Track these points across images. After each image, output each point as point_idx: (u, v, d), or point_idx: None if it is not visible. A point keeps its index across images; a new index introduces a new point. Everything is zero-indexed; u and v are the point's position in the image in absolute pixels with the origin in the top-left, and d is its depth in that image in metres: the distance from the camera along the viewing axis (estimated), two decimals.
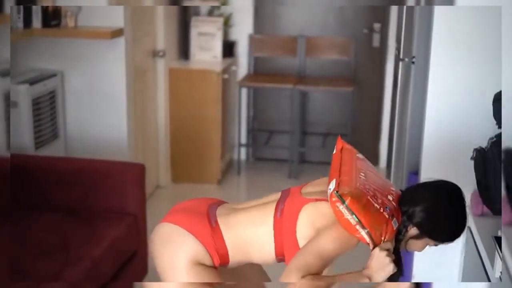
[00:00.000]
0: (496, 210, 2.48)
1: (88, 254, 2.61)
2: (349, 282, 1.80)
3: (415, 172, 3.05)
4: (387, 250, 1.78)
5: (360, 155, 2.08)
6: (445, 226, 1.93)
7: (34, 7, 3.43)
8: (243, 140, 5.58)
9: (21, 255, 2.53)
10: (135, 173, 3.07)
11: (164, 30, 4.64)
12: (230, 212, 1.98)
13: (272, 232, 1.89)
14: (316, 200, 1.89)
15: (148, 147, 4.58)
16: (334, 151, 2.07)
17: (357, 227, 1.78)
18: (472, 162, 2.67)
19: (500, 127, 2.53)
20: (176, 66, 4.89)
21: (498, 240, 2.26)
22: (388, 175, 3.53)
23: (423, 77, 2.95)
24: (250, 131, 5.59)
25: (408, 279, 3.11)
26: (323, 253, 1.76)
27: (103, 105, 3.89)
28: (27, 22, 3.40)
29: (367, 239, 1.79)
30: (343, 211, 1.78)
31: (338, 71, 5.49)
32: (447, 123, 2.85)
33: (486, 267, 2.41)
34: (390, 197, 1.88)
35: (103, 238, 2.76)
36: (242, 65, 5.52)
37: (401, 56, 3.12)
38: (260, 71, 5.56)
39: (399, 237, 1.90)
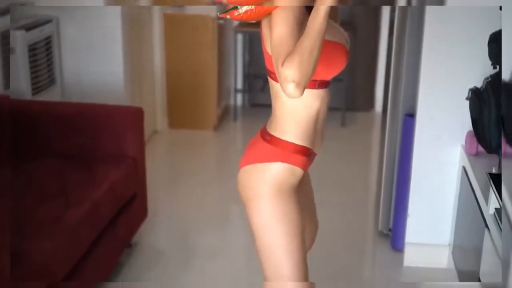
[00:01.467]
0: (490, 149, 2.52)
1: (88, 196, 2.65)
2: (317, 27, 1.68)
3: (411, 114, 3.08)
4: None
5: None
6: None
7: None
8: (239, 86, 5.58)
9: (21, 200, 2.57)
10: (133, 116, 3.09)
11: None
12: (270, 122, 1.96)
13: (279, 86, 1.82)
14: (263, 41, 1.90)
15: (145, 93, 4.58)
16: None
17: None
18: (467, 102, 2.71)
19: (495, 67, 2.55)
20: (171, 12, 4.86)
21: (492, 176, 2.30)
22: (384, 119, 3.56)
23: (419, 21, 2.96)
24: (246, 77, 5.59)
25: (403, 219, 3.18)
26: (283, 36, 1.70)
27: (99, 51, 3.88)
28: None
29: None
30: (246, 8, 1.77)
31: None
32: (442, 65, 2.87)
33: (481, 204, 2.47)
34: None
35: (103, 181, 2.80)
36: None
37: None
38: None
39: None
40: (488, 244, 2.29)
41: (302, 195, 2.05)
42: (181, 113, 5.03)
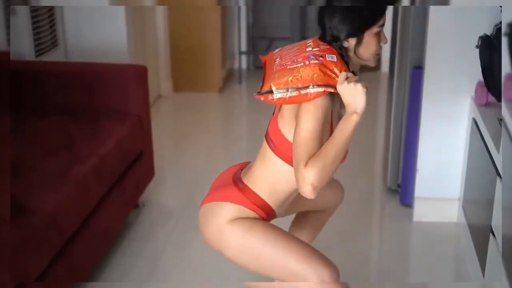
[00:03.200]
0: (500, 96, 2.48)
1: (95, 151, 2.62)
2: (345, 136, 1.73)
3: (419, 66, 3.04)
4: (346, 79, 1.74)
5: (277, 50, 2.00)
6: (356, 10, 1.80)
7: None
8: (243, 48, 5.52)
9: (27, 154, 2.55)
10: (137, 74, 3.06)
11: None
12: (247, 170, 2.00)
13: (277, 158, 1.90)
14: (278, 111, 1.90)
15: (149, 55, 4.54)
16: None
17: (302, 92, 1.73)
18: (477, 51, 2.66)
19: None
20: None
21: (503, 121, 2.26)
22: (391, 77, 3.51)
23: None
24: (250, 39, 5.53)
25: (412, 174, 3.15)
26: (309, 135, 1.72)
27: (102, 13, 3.83)
28: None
29: (320, 89, 1.73)
30: (281, 95, 1.75)
31: None
32: (450, 14, 2.81)
33: (492, 153, 2.43)
34: (308, 48, 1.82)
35: (109, 137, 2.77)
36: None
37: None
38: None
39: (350, 57, 1.85)
40: (500, 193, 2.26)
41: None
42: (185, 76, 5.00)
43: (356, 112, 1.72)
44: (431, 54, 2.90)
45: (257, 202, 1.94)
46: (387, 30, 5.74)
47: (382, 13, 1.83)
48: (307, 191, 1.70)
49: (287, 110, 1.85)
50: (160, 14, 4.69)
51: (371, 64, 1.89)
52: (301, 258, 1.88)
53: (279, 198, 1.97)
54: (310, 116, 1.73)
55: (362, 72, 1.96)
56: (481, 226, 2.61)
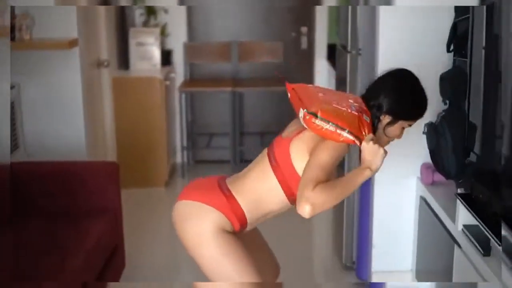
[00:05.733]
0: (449, 175, 2.83)
1: (81, 248, 2.77)
2: (354, 183, 1.96)
3: None
4: (372, 140, 1.99)
5: (310, 85, 2.29)
6: (410, 102, 2.14)
7: None
8: (185, 143, 5.78)
9: (21, 258, 2.66)
10: (110, 170, 3.24)
11: (106, 41, 4.80)
12: (235, 179, 2.17)
13: (275, 179, 2.08)
14: (298, 133, 2.11)
15: (99, 154, 4.70)
16: (289, 95, 2.22)
17: (338, 131, 1.97)
18: (419, 139, 3.04)
19: (445, 103, 2.90)
20: (119, 75, 5.05)
21: (460, 196, 2.58)
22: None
23: (370, 67, 3.29)
24: (190, 135, 5.80)
25: (367, 250, 3.44)
26: (323, 165, 1.93)
27: (60, 115, 4.00)
28: None
29: (351, 137, 1.98)
30: (320, 124, 1.97)
31: (271, 73, 5.82)
32: None
33: (446, 224, 2.76)
34: (351, 100, 2.09)
35: (90, 234, 2.91)
36: (179, 72, 5.75)
37: (348, 49, 3.44)
38: (196, 77, 5.81)
39: (377, 129, 2.12)
40: (460, 258, 2.56)
41: (250, 239, 2.24)
42: (132, 172, 5.15)
43: (370, 169, 1.97)
44: None
45: (237, 213, 2.08)
46: None
47: (420, 117, 2.17)
48: (305, 209, 1.87)
49: (309, 138, 2.04)
50: (108, 114, 4.90)
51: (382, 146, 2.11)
52: None
53: (257, 215, 2.13)
54: (331, 152, 1.97)
55: None
56: None
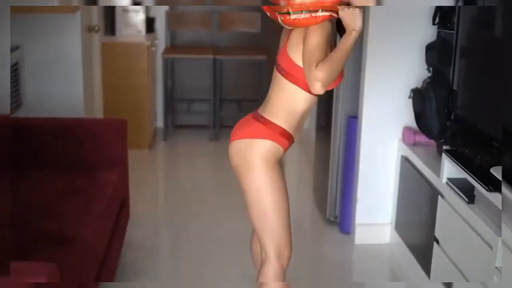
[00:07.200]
0: (432, 135, 3.18)
1: (102, 194, 3.03)
2: (347, 47, 2.20)
3: (355, 116, 3.70)
4: (346, 4, 2.24)
5: None
6: None
7: None
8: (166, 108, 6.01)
9: (47, 197, 2.91)
10: (118, 126, 3.49)
11: (95, 7, 4.97)
12: (264, 105, 2.41)
13: (291, 83, 2.32)
14: (288, 38, 2.33)
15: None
16: (268, 14, 2.37)
17: (313, 14, 2.20)
18: (401, 103, 3.38)
19: (429, 71, 3.24)
20: (108, 40, 5.24)
21: (447, 151, 2.92)
22: (328, 125, 4.18)
23: None
24: (169, 101, 6.02)
25: (350, 205, 3.78)
26: (316, 46, 2.19)
27: (60, 76, 4.19)
28: None
29: (326, 14, 2.21)
30: (295, 17, 2.21)
31: (249, 42, 6.09)
32: (384, 68, 3.50)
33: (429, 178, 3.11)
34: None
35: (108, 182, 3.17)
36: (160, 39, 5.97)
37: None
38: (177, 44, 6.05)
39: None
40: (444, 209, 2.91)
41: None
42: None
43: (354, 30, 2.22)
44: (365, 105, 3.58)
45: (280, 132, 2.34)
46: None
47: None
48: (318, 87, 2.17)
49: (296, 34, 2.28)
50: (97, 78, 5.09)
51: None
52: (282, 229, 2.37)
53: (294, 121, 2.37)
54: (318, 33, 2.22)
55: None
56: (417, 244, 3.27)
